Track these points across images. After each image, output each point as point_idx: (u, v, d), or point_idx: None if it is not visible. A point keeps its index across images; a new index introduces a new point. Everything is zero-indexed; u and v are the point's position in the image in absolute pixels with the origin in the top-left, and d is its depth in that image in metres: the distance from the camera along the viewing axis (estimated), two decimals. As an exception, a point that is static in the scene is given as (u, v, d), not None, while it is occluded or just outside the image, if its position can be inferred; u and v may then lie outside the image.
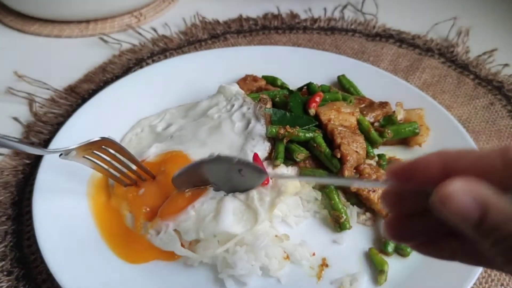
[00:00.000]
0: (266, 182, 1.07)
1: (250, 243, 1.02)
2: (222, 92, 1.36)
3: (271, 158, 1.17)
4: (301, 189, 1.14)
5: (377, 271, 1.03)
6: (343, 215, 1.10)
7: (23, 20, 1.85)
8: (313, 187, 1.16)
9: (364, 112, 1.30)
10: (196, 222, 1.02)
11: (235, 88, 1.35)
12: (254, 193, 1.06)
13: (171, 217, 1.03)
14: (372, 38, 1.80)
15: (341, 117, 1.22)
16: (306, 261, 1.04)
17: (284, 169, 1.15)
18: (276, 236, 1.05)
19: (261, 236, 1.03)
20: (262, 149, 1.18)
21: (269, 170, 1.15)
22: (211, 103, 1.33)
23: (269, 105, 1.26)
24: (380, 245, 1.08)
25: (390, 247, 1.06)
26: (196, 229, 1.01)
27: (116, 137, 1.31)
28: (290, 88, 1.40)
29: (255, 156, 1.12)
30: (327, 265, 1.05)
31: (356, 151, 1.14)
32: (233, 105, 1.30)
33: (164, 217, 1.04)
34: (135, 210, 1.10)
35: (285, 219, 1.12)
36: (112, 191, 1.16)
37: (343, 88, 1.46)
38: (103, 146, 1.04)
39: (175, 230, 1.03)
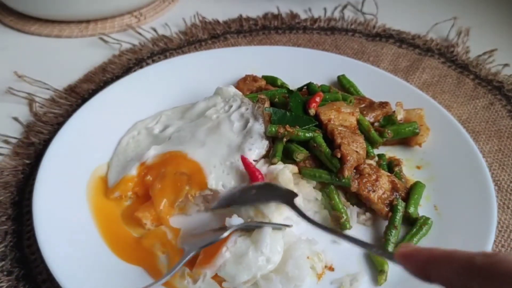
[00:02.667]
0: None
1: (283, 269, 0.99)
2: (219, 93, 1.36)
3: (269, 156, 1.17)
4: (302, 189, 1.14)
5: (377, 271, 1.03)
6: (343, 215, 1.10)
7: (23, 20, 1.85)
8: (314, 187, 1.16)
9: (364, 112, 1.30)
10: (237, 261, 0.97)
11: (233, 89, 1.36)
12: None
13: (208, 264, 0.98)
14: (372, 38, 1.80)
15: (341, 117, 1.22)
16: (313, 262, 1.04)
17: (280, 166, 1.15)
18: (308, 257, 1.03)
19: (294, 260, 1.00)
20: (260, 147, 1.18)
21: (264, 167, 1.16)
22: (209, 104, 1.33)
23: (267, 104, 1.26)
24: (380, 245, 1.08)
25: (390, 247, 1.06)
26: (243, 269, 0.96)
27: (114, 140, 1.31)
28: (290, 88, 1.40)
29: (243, 159, 1.13)
30: (332, 269, 1.04)
31: (356, 151, 1.14)
32: (231, 106, 1.30)
33: (201, 265, 0.99)
34: (171, 251, 1.07)
35: (290, 217, 1.12)
36: (145, 233, 1.10)
37: (343, 88, 1.46)
38: None
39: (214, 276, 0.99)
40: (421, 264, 0.62)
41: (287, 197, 1.03)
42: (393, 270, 1.02)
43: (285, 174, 1.10)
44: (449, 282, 0.58)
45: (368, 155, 1.21)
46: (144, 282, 1.00)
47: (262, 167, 1.15)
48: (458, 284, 0.56)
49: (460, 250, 0.58)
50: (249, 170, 1.11)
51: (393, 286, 1.01)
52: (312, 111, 1.23)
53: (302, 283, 0.99)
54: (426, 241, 1.08)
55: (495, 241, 1.10)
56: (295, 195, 1.05)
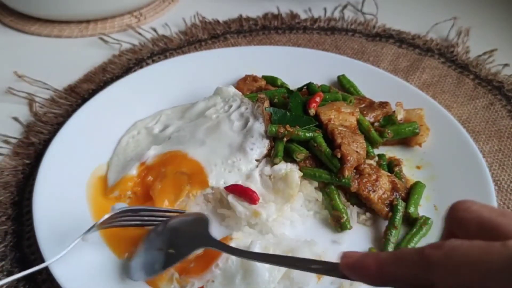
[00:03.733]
0: (256, 200, 1.09)
1: (287, 275, 0.98)
2: (219, 93, 1.36)
3: (271, 155, 1.17)
4: (303, 189, 1.14)
5: None
6: (343, 215, 1.10)
7: (23, 20, 1.85)
8: (315, 188, 1.16)
9: (364, 112, 1.30)
10: (224, 282, 0.97)
11: (232, 89, 1.36)
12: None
13: (197, 275, 0.98)
14: (372, 38, 1.80)
15: (341, 117, 1.22)
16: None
17: (283, 165, 1.15)
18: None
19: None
20: (262, 146, 1.18)
21: (267, 167, 1.16)
22: (208, 104, 1.33)
23: (266, 104, 1.26)
24: (380, 245, 1.08)
25: (390, 247, 1.06)
26: None
27: (114, 139, 1.31)
28: (290, 88, 1.40)
29: (228, 188, 1.12)
30: None
31: (356, 151, 1.14)
32: (231, 106, 1.30)
33: (189, 274, 0.99)
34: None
35: (292, 220, 1.12)
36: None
37: (343, 88, 1.46)
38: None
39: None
40: (373, 272, 0.58)
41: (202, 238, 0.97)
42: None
43: (294, 179, 1.10)
44: (408, 283, 0.55)
45: (368, 155, 1.21)
46: (144, 282, 1.00)
47: (265, 168, 1.16)
48: (418, 283, 0.54)
49: (406, 248, 0.56)
50: (241, 192, 1.11)
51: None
52: (312, 111, 1.23)
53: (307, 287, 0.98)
54: (426, 241, 1.08)
55: (495, 241, 1.10)
56: (207, 222, 1.00)
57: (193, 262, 1.00)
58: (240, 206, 1.09)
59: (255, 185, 1.13)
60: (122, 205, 1.00)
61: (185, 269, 0.99)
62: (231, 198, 1.11)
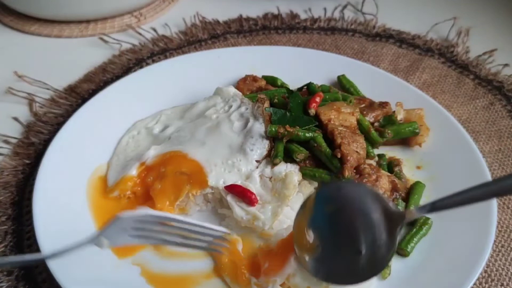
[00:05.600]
0: (254, 202, 1.09)
1: None
2: (219, 93, 1.36)
3: (271, 156, 1.17)
4: (303, 189, 1.14)
5: None
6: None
7: (23, 20, 1.85)
8: (315, 188, 1.16)
9: (364, 112, 1.30)
10: (307, 275, 0.93)
11: (232, 89, 1.36)
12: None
13: (276, 272, 0.95)
14: (372, 38, 1.80)
15: (341, 117, 1.22)
16: None
17: (283, 166, 1.15)
18: None
19: None
20: (262, 146, 1.18)
21: (267, 169, 1.16)
22: (208, 104, 1.33)
23: (267, 104, 1.27)
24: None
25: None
26: (314, 283, 0.93)
27: (114, 139, 1.31)
28: (290, 88, 1.40)
29: (227, 188, 1.11)
30: None
31: (356, 151, 1.14)
32: (231, 106, 1.30)
33: (270, 274, 0.96)
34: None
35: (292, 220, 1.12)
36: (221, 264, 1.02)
37: (343, 88, 1.46)
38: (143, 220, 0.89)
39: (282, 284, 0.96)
40: None
41: None
42: (394, 270, 1.02)
43: (292, 179, 1.10)
44: None
45: (368, 155, 1.21)
46: (144, 281, 1.00)
47: (265, 169, 1.16)
48: None
49: None
50: (240, 193, 1.11)
51: (397, 280, 1.01)
52: (312, 111, 1.23)
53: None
54: (426, 241, 1.08)
55: (495, 241, 1.10)
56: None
57: (267, 262, 0.97)
58: (237, 208, 1.09)
59: (254, 186, 1.13)
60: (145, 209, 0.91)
61: (261, 271, 0.97)
62: (229, 198, 1.11)
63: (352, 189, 0.91)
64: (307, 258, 0.91)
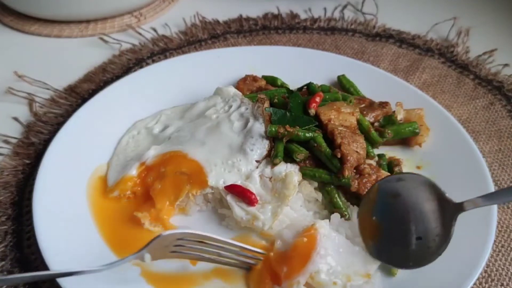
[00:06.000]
0: (254, 202, 1.09)
1: None
2: (219, 93, 1.36)
3: (271, 156, 1.17)
4: (303, 189, 1.14)
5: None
6: (345, 212, 1.10)
7: (23, 20, 1.85)
8: (315, 188, 1.16)
9: (364, 112, 1.30)
10: (331, 270, 0.96)
11: (232, 89, 1.36)
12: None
13: (298, 273, 0.95)
14: (372, 38, 1.80)
15: (341, 117, 1.22)
16: None
17: (283, 166, 1.15)
18: None
19: None
20: (262, 147, 1.18)
21: (267, 169, 1.16)
22: (208, 104, 1.33)
23: (267, 104, 1.27)
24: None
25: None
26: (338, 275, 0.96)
27: (114, 139, 1.31)
28: (290, 88, 1.40)
29: (227, 188, 1.12)
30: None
31: (356, 151, 1.14)
32: (230, 106, 1.30)
33: (292, 276, 0.95)
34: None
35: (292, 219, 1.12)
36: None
37: (343, 88, 1.46)
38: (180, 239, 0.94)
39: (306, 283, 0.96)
40: None
41: None
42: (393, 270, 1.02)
43: (292, 180, 1.10)
44: None
45: (368, 155, 1.21)
46: (144, 281, 1.00)
47: (265, 169, 1.16)
48: None
49: None
50: (240, 193, 1.11)
51: (397, 280, 1.01)
52: (312, 111, 1.23)
53: None
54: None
55: (495, 241, 1.10)
56: None
57: (284, 266, 0.96)
58: (237, 208, 1.09)
59: (254, 186, 1.13)
60: (187, 229, 0.95)
61: (281, 277, 0.96)
62: (229, 198, 1.11)
63: (411, 178, 1.01)
64: (371, 242, 1.01)
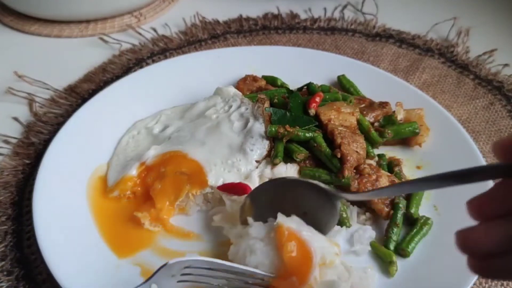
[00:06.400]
0: (247, 190, 1.08)
1: None
2: (219, 93, 1.36)
3: (271, 156, 1.17)
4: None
5: (386, 263, 1.03)
6: (343, 213, 1.10)
7: (23, 20, 1.85)
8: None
9: (364, 112, 1.30)
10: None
11: (232, 89, 1.36)
12: None
13: (310, 271, 0.92)
14: (372, 38, 1.80)
15: (341, 117, 1.22)
16: None
17: (283, 167, 1.15)
18: None
19: None
20: (262, 147, 1.18)
21: (267, 169, 1.15)
22: (208, 104, 1.33)
23: (267, 104, 1.27)
24: (380, 244, 1.08)
25: (392, 245, 1.06)
26: None
27: (114, 139, 1.31)
28: (290, 88, 1.40)
29: (219, 188, 1.12)
30: None
31: (356, 151, 1.14)
32: (230, 106, 1.30)
33: (306, 278, 0.91)
34: None
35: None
36: None
37: (343, 88, 1.46)
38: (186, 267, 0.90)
39: None
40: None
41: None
42: (398, 264, 1.02)
43: None
44: None
45: (368, 155, 1.21)
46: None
47: (265, 169, 1.15)
48: None
49: None
50: (231, 188, 1.11)
51: (398, 280, 1.01)
52: (312, 111, 1.23)
53: None
54: (426, 241, 1.08)
55: (495, 241, 1.10)
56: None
57: (293, 277, 0.92)
58: (228, 201, 1.09)
59: (253, 185, 1.13)
60: (195, 257, 0.92)
61: (296, 285, 0.92)
62: (224, 196, 1.11)
63: (282, 180, 1.05)
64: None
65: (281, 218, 0.96)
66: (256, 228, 0.98)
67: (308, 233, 0.96)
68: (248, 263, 0.93)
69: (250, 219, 1.01)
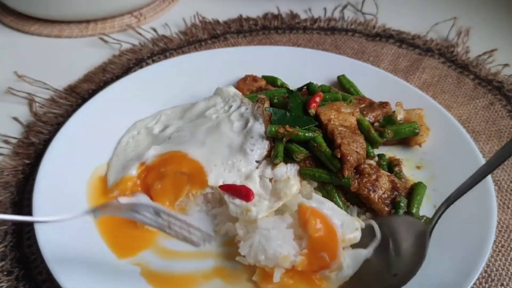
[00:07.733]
0: (250, 195, 1.09)
1: None
2: (219, 93, 1.36)
3: (271, 156, 1.17)
4: (302, 189, 1.14)
5: None
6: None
7: (23, 20, 1.85)
8: (314, 188, 1.16)
9: (364, 112, 1.31)
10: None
11: (232, 89, 1.36)
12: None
13: (337, 247, 0.99)
14: (372, 38, 1.80)
15: (341, 117, 1.22)
16: None
17: (283, 167, 1.15)
18: None
19: None
20: (262, 147, 1.18)
21: (268, 170, 1.15)
22: (208, 104, 1.33)
23: (267, 104, 1.27)
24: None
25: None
26: None
27: (114, 139, 1.31)
28: (290, 88, 1.40)
29: (221, 187, 1.12)
30: None
31: (356, 151, 1.14)
32: (231, 106, 1.30)
33: (336, 254, 0.98)
34: None
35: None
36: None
37: (343, 88, 1.46)
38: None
39: None
40: None
41: None
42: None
43: (293, 190, 1.10)
44: None
45: (368, 155, 1.21)
46: (144, 281, 1.00)
47: (266, 170, 1.15)
48: None
49: None
50: (234, 190, 1.11)
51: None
52: (312, 111, 1.23)
53: None
54: (426, 241, 1.08)
55: (495, 241, 1.10)
56: None
57: (322, 252, 0.97)
58: (232, 205, 1.09)
59: (254, 186, 1.13)
60: (144, 197, 0.97)
61: (326, 262, 0.97)
62: (226, 197, 1.11)
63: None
64: None
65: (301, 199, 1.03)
66: (264, 222, 1.03)
67: (328, 211, 1.01)
68: (268, 250, 0.97)
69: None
